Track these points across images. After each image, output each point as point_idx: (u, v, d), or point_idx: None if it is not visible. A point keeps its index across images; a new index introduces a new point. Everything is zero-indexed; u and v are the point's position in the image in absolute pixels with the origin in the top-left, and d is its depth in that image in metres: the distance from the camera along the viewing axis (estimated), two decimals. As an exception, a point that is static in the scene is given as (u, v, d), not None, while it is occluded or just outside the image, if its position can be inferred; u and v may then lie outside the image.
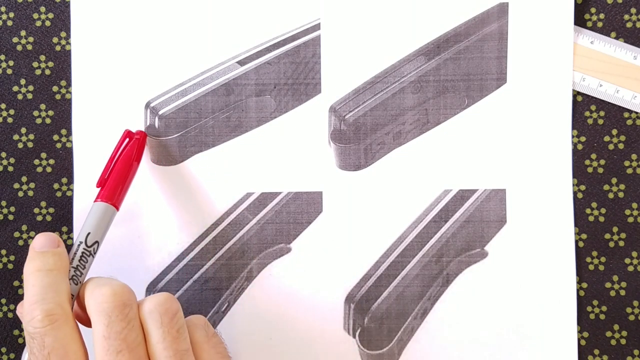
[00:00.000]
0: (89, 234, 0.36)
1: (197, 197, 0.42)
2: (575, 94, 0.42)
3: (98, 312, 0.32)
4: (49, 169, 0.42)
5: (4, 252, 0.42)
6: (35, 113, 0.42)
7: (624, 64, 0.42)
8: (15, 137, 0.42)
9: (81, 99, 0.42)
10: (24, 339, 0.42)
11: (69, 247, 0.37)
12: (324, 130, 0.42)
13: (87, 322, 0.33)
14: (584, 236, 0.42)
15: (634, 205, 0.42)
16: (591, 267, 0.42)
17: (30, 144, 0.42)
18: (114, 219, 0.37)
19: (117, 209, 0.38)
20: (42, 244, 0.34)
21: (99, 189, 0.38)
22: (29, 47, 0.42)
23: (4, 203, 0.42)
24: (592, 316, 0.42)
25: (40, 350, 0.31)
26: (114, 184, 0.38)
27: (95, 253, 0.36)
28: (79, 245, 0.36)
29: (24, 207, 0.42)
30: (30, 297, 0.32)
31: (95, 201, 0.37)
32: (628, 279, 0.42)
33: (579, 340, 0.42)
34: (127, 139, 0.39)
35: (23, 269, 0.34)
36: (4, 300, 0.42)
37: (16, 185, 0.42)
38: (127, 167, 0.38)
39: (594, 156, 0.42)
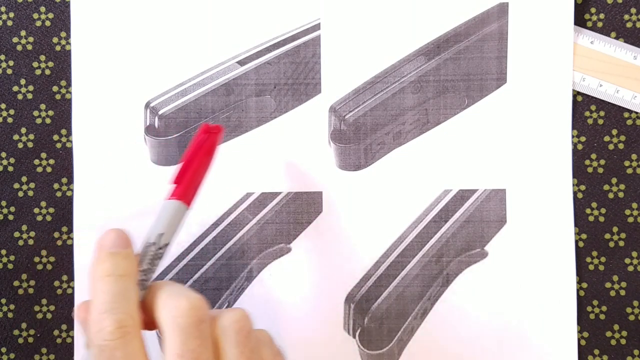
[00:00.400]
0: (162, 234, 0.33)
1: (197, 197, 0.42)
2: (575, 94, 0.42)
3: (173, 327, 0.29)
4: (49, 169, 0.42)
5: (4, 252, 0.42)
6: (35, 113, 0.42)
7: (624, 64, 0.42)
8: (15, 137, 0.42)
9: (81, 99, 0.42)
10: (24, 339, 0.42)
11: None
12: (324, 130, 0.42)
13: (149, 326, 0.31)
14: (584, 236, 0.42)
15: (634, 205, 0.42)
16: (591, 267, 0.42)
17: (30, 144, 0.42)
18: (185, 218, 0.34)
19: (189, 207, 0.34)
20: (112, 243, 0.32)
21: (172, 185, 0.34)
22: (29, 47, 0.42)
23: (4, 203, 0.42)
24: (592, 316, 0.42)
25: None
26: (191, 181, 0.34)
27: (164, 256, 0.33)
28: (149, 246, 0.32)
29: (24, 207, 0.42)
30: (100, 305, 0.30)
31: (168, 199, 0.33)
32: (628, 279, 0.42)
33: (579, 340, 0.42)
34: (205, 134, 0.35)
35: (90, 270, 0.31)
36: (4, 300, 0.42)
37: (16, 185, 0.42)
38: (205, 164, 0.35)
39: (594, 156, 0.42)
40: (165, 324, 0.30)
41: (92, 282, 0.31)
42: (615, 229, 0.42)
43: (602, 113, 0.42)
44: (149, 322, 0.31)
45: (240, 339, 0.31)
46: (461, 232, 0.42)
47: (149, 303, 0.31)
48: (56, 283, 0.42)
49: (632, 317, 0.42)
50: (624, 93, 0.42)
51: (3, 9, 0.42)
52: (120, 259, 0.31)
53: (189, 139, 0.42)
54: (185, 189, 0.34)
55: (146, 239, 0.33)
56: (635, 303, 0.42)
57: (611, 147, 0.42)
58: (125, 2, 0.42)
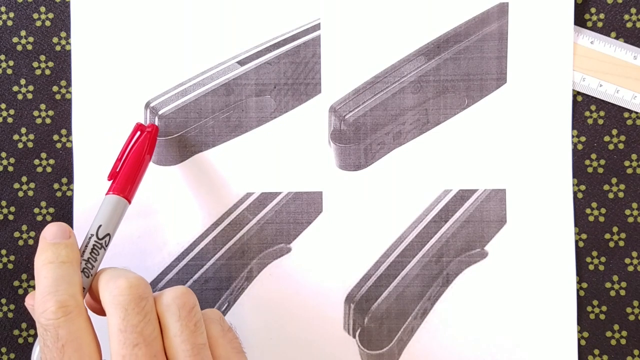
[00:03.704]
0: (100, 226, 0.35)
1: (197, 197, 0.42)
2: (575, 94, 0.42)
3: (114, 305, 0.31)
4: (49, 169, 0.42)
5: (4, 252, 0.42)
6: (35, 113, 0.42)
7: (624, 64, 0.42)
8: (15, 137, 0.42)
9: (81, 99, 0.42)
10: (24, 339, 0.42)
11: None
12: (324, 130, 0.42)
13: (101, 312, 0.33)
14: (584, 236, 0.42)
15: (634, 205, 0.42)
16: (591, 267, 0.42)
17: (30, 144, 0.42)
18: (126, 212, 0.37)
19: (129, 202, 0.37)
20: (54, 235, 0.34)
21: (110, 182, 0.37)
22: (29, 47, 0.42)
23: (4, 203, 0.42)
24: (592, 316, 0.42)
25: (54, 343, 0.31)
26: (126, 176, 0.37)
27: (107, 246, 0.36)
28: (90, 237, 0.35)
29: (24, 207, 0.42)
30: (43, 288, 0.32)
31: (107, 194, 0.37)
32: (628, 279, 0.42)
33: (579, 340, 0.42)
34: (139, 132, 0.39)
35: (34, 261, 0.33)
36: (4, 300, 0.42)
37: (16, 185, 0.42)
38: (139, 160, 0.38)
39: (594, 156, 0.42)
40: (107, 304, 0.32)
41: (36, 271, 0.33)
42: (615, 229, 0.42)
43: (602, 113, 0.42)
44: (100, 309, 0.33)
45: (182, 314, 0.32)
46: (461, 232, 0.42)
47: (95, 289, 0.33)
48: (56, 283, 0.42)
49: (632, 317, 0.42)
50: (624, 93, 0.42)
51: (3, 9, 0.42)
52: (62, 248, 0.33)
53: (189, 139, 0.42)
54: (121, 184, 0.37)
55: (88, 231, 0.35)
56: (635, 303, 0.42)
57: (611, 147, 0.42)
58: (125, 2, 0.42)
